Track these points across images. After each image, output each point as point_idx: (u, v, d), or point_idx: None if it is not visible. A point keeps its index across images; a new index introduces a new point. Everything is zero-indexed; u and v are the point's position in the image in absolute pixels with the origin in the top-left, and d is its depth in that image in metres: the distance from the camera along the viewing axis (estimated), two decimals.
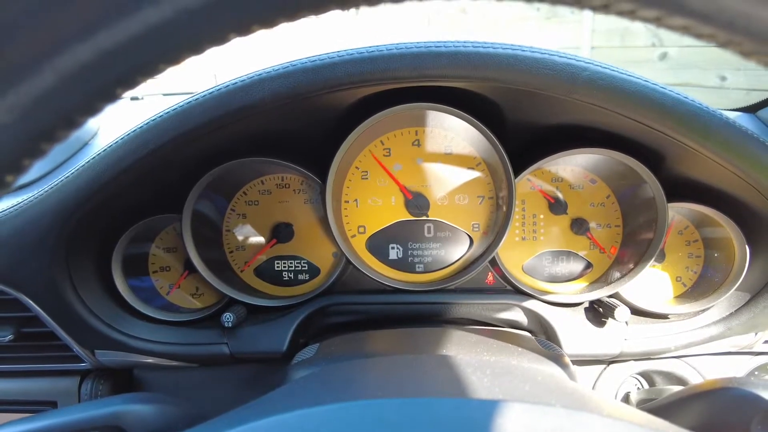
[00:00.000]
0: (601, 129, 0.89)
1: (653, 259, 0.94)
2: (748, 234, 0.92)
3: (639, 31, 4.96)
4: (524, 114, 0.89)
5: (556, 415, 0.41)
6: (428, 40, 0.73)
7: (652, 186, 0.91)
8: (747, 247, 0.91)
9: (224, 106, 0.75)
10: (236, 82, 0.74)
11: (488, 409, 0.41)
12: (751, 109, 1.36)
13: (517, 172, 0.94)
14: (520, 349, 0.76)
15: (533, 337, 0.91)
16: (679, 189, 0.94)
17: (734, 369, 1.05)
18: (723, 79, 4.17)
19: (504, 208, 0.97)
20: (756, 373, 1.04)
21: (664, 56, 4.74)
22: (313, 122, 0.92)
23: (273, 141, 0.95)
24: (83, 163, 0.80)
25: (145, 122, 0.77)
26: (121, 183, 0.81)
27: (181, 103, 0.76)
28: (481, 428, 0.39)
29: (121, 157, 0.78)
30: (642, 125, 0.79)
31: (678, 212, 1.02)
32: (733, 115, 1.36)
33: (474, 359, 0.60)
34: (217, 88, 0.76)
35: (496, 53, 0.70)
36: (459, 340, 0.78)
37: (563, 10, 5.75)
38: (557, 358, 0.75)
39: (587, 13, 5.47)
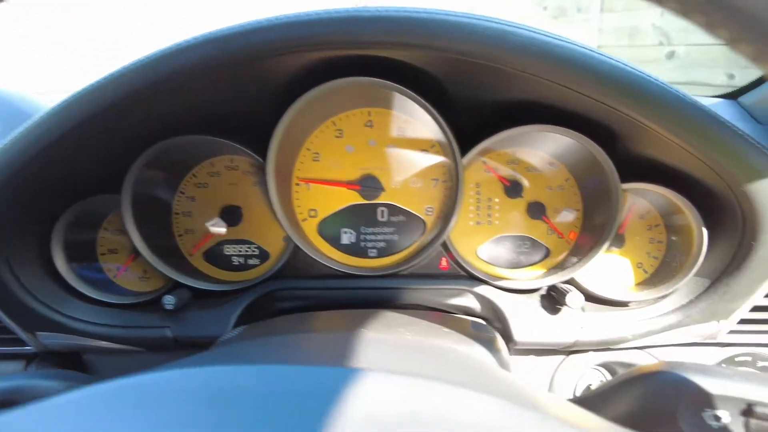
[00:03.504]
0: (554, 106, 0.85)
1: (608, 242, 0.90)
2: (707, 217, 0.87)
3: (647, 29, 4.90)
4: (469, 90, 0.86)
5: (409, 384, 0.38)
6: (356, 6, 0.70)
7: (605, 164, 0.87)
8: (704, 229, 0.87)
9: (146, 77, 0.73)
10: (158, 53, 0.72)
11: (337, 377, 0.38)
12: (732, 96, 1.31)
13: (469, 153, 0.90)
14: (446, 329, 0.72)
15: (471, 321, 0.87)
16: (639, 171, 0.90)
17: (701, 361, 1.00)
18: (731, 77, 4.08)
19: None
20: (723, 365, 0.99)
21: (671, 55, 4.66)
22: (257, 99, 0.89)
23: (220, 120, 0.93)
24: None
25: (65, 99, 0.75)
26: (48, 158, 0.79)
27: (99, 79, 0.74)
28: (324, 395, 0.36)
29: (43, 132, 0.76)
30: (590, 99, 0.75)
31: (641, 196, 0.97)
32: (714, 102, 1.31)
33: (376, 335, 0.57)
34: (140, 59, 0.74)
35: (419, 17, 0.67)
36: (386, 321, 0.74)
37: (570, 9, 5.70)
38: (486, 341, 0.72)
39: (595, 12, 5.41)
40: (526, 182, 1.00)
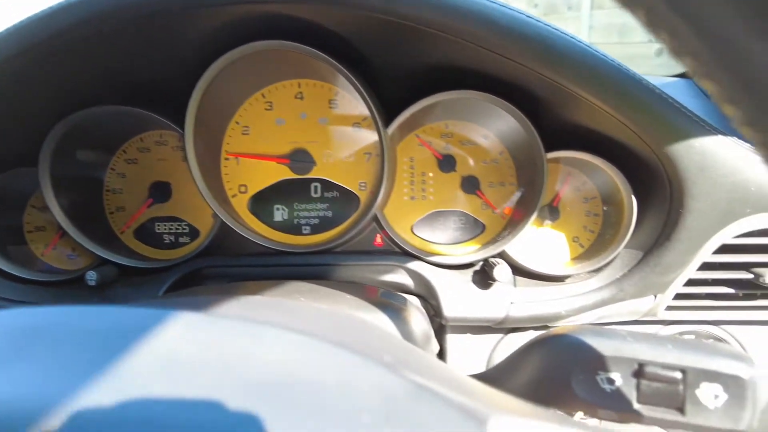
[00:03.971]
0: (477, 72, 0.82)
1: (536, 213, 0.87)
2: (638, 189, 0.85)
3: (636, 26, 4.88)
4: (388, 55, 0.83)
5: (224, 325, 0.35)
6: None
7: (526, 130, 0.84)
8: (633, 198, 0.84)
9: (46, 29, 0.70)
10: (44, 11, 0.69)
11: (141, 316, 0.35)
12: (688, 75, 1.29)
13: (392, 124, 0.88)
14: (348, 296, 0.69)
15: (383, 291, 0.84)
16: (572, 141, 0.87)
17: None
18: None
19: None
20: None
21: (660, 52, 4.66)
22: (173, 66, 0.86)
23: (141, 90, 0.90)
24: None
25: None
26: None
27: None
28: (123, 333, 0.34)
29: None
30: (505, 59, 0.72)
31: (577, 168, 0.95)
32: (670, 81, 1.29)
33: (260, 299, 0.55)
34: (41, 11, 0.71)
35: None
36: (292, 289, 0.72)
37: (561, 7, 5.69)
38: (391, 309, 0.68)
39: (585, 10, 5.40)
40: (465, 156, 0.97)
